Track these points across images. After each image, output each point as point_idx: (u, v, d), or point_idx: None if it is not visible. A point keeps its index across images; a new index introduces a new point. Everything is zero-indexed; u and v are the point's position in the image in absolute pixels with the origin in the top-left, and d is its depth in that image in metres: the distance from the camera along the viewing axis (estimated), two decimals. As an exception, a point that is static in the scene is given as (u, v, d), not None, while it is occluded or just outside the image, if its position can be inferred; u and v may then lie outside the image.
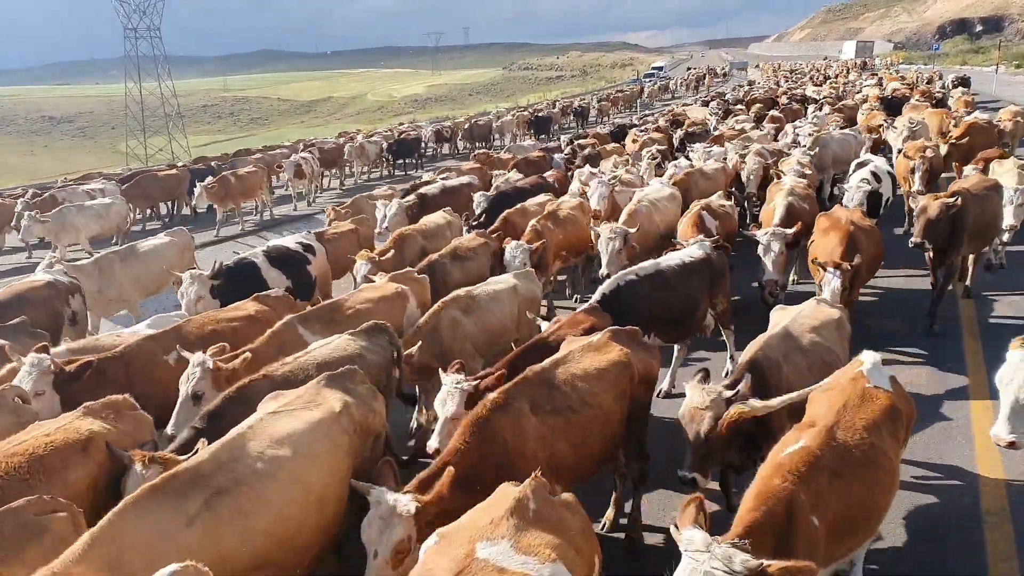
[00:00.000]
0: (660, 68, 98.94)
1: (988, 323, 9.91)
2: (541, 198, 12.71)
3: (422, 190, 14.54)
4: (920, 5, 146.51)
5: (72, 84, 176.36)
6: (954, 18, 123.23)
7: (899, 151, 15.62)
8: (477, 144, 33.42)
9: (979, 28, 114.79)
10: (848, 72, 58.18)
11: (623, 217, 10.58)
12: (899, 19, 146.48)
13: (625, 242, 9.42)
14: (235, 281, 9.32)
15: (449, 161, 30.84)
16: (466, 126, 36.32)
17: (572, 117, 43.81)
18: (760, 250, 8.89)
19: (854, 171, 13.03)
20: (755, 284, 9.69)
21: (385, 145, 29.57)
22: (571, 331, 6.54)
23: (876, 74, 50.08)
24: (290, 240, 10.79)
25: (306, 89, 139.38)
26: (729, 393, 5.05)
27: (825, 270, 7.78)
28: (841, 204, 11.17)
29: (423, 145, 32.81)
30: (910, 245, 9.13)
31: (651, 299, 7.61)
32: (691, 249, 8.42)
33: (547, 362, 5.40)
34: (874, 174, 12.29)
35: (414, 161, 30.21)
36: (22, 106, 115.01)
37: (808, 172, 13.03)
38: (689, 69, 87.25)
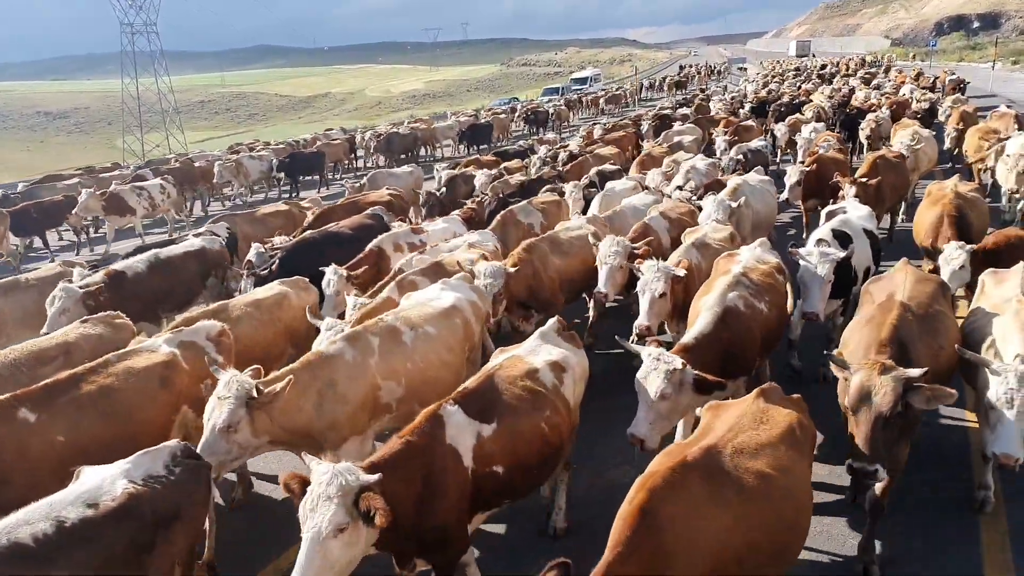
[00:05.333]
0: (585, 80, 69.94)
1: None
2: (261, 293, 7.97)
3: (119, 266, 9.43)
4: (918, 1, 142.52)
5: (68, 80, 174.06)
6: (951, 14, 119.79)
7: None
8: (398, 157, 28.29)
9: (976, 25, 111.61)
10: (855, 72, 50.29)
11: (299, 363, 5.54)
12: (897, 15, 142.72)
13: (250, 414, 4.95)
14: None
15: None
16: (380, 136, 29.71)
17: (524, 124, 37.09)
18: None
19: (824, 222, 9.23)
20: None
21: (275, 161, 24.24)
22: None
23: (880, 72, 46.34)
24: None
25: (304, 85, 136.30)
26: None
27: None
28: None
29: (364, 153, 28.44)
30: (848, 470, 4.70)
31: None
32: (95, 483, 4.06)
33: None
34: (839, 234, 8.17)
35: (317, 178, 25.29)
36: (17, 102, 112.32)
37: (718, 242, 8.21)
38: (681, 68, 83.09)
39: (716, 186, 11.29)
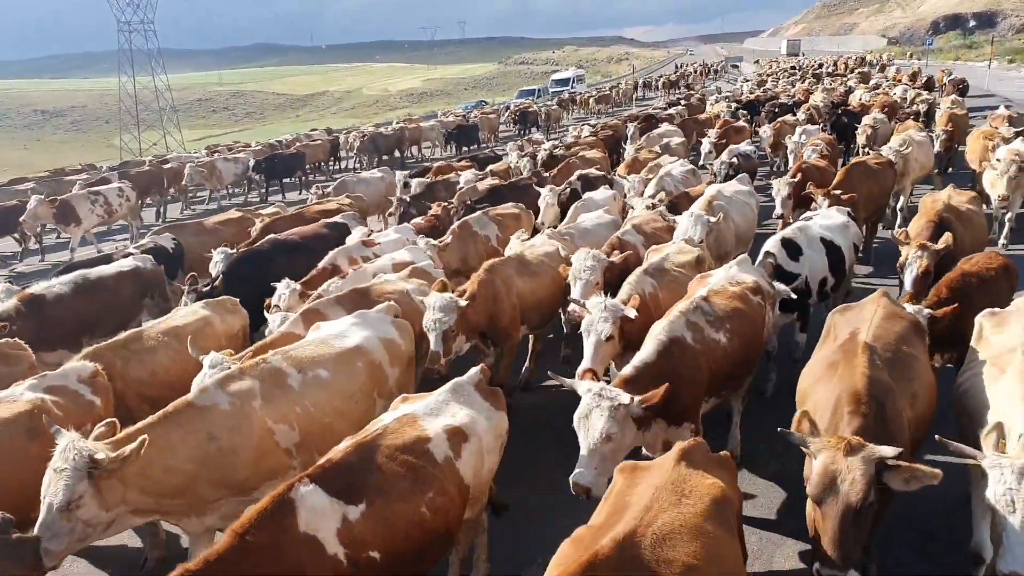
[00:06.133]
0: (566, 81, 61.88)
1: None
2: (179, 318, 7.15)
3: (37, 289, 8.46)
4: (914, 0, 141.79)
5: (65, 78, 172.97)
6: (947, 13, 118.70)
7: None
8: (382, 158, 27.29)
9: (972, 23, 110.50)
10: (853, 70, 47.81)
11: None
12: (893, 14, 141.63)
13: (95, 486, 4.12)
14: None
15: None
16: (363, 136, 28.42)
17: (513, 124, 35.39)
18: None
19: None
20: None
21: (252, 163, 23.17)
22: None
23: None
24: None
25: (301, 83, 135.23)
26: None
27: None
28: None
29: (348, 155, 27.36)
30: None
31: None
32: None
33: None
34: (788, 244, 7.55)
35: (296, 181, 24.19)
36: (14, 100, 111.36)
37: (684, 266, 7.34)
38: (678, 67, 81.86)
39: (684, 200, 10.34)
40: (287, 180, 24.44)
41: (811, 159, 13.02)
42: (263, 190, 23.74)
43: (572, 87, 58.21)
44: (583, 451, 4.58)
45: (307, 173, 25.24)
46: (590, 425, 4.55)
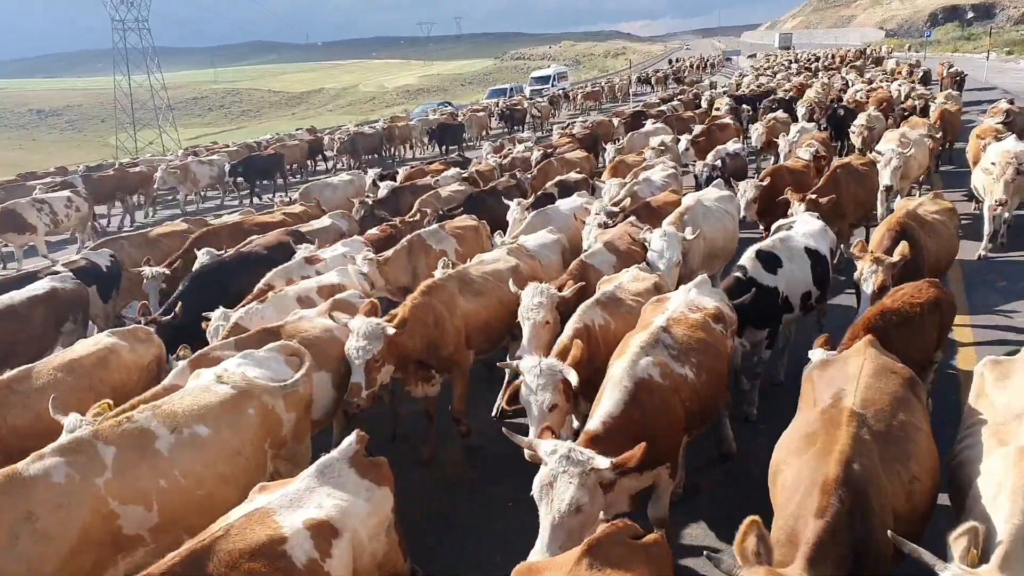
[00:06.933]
0: (547, 79, 55.82)
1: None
2: (78, 349, 6.17)
3: None
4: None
5: (59, 77, 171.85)
6: (945, 5, 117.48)
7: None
8: (364, 158, 26.32)
9: (970, 15, 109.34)
10: (851, 63, 46.32)
11: None
12: (891, 6, 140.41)
13: None
14: None
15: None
16: (344, 137, 26.99)
17: (500, 121, 33.84)
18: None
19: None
20: None
21: (227, 165, 21.97)
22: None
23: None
24: None
25: (297, 81, 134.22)
26: None
27: None
28: None
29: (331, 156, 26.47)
30: None
31: None
32: None
33: None
34: (766, 256, 6.89)
35: (275, 183, 22.88)
36: (9, 100, 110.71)
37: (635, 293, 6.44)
38: (671, 62, 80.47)
39: (645, 211, 9.28)
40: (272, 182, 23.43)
41: (801, 157, 12.13)
42: (243, 192, 22.76)
43: (553, 84, 53.84)
44: (544, 528, 3.70)
45: (286, 175, 24.10)
46: (555, 495, 3.70)
